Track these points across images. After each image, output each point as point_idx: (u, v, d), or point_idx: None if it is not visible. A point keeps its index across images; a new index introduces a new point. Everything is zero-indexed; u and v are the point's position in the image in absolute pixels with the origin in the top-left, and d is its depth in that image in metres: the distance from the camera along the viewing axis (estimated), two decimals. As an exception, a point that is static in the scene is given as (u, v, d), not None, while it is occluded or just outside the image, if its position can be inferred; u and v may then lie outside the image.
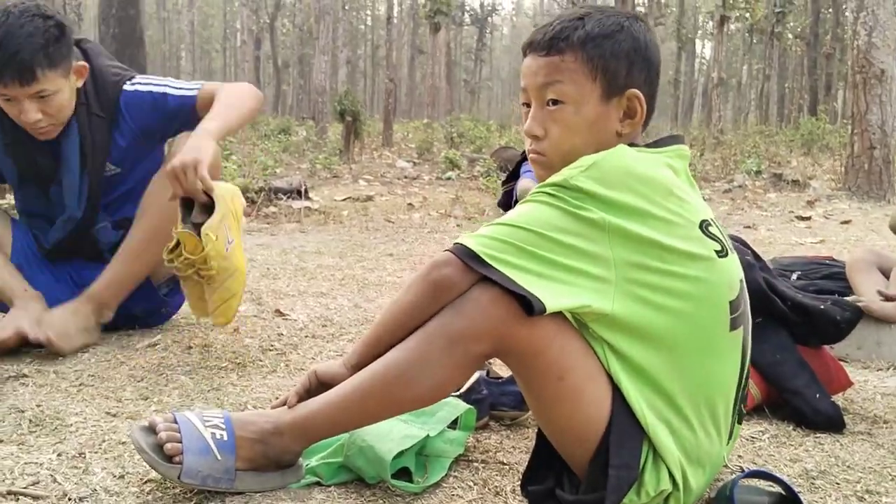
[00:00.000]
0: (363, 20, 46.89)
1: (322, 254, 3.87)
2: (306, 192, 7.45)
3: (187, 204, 1.87)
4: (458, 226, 6.00)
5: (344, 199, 7.79)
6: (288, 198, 7.13)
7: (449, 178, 10.23)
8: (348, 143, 12.78)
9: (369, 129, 15.36)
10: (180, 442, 1.22)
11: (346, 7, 28.09)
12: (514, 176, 2.78)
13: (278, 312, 2.50)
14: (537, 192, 1.18)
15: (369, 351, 1.27)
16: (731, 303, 1.23)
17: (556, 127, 1.26)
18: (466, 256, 1.15)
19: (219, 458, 1.24)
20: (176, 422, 1.26)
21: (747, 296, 1.32)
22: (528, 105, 1.31)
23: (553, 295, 1.11)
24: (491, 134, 16.45)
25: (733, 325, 1.24)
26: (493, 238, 1.16)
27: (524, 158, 2.47)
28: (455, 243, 1.18)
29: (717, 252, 1.21)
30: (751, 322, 1.34)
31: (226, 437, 1.25)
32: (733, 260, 1.27)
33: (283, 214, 6.55)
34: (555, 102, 1.25)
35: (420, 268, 1.33)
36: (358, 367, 1.27)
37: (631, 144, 1.25)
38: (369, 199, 7.94)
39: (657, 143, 1.29)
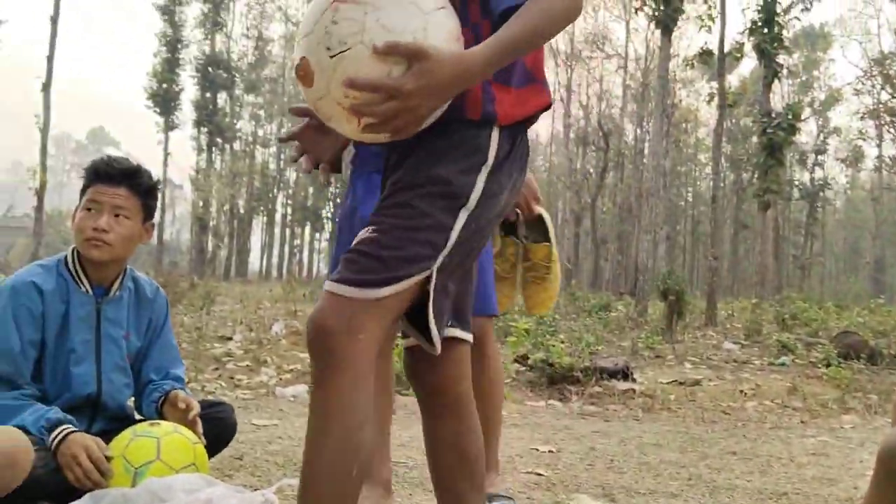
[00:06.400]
0: (683, 197, 47.03)
1: (661, 447, 3.79)
2: (631, 373, 7.41)
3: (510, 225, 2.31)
4: (801, 422, 5.55)
5: (669, 383, 7.59)
6: (613, 378, 7.15)
7: (783, 364, 9.56)
8: (671, 323, 12.58)
9: (691, 307, 15.02)
10: None
11: (667, 186, 28.54)
12: None
13: (632, 513, 2.49)
14: None
15: None
16: None
17: None
18: None
19: None
20: None
21: None
22: None
23: None
24: (828, 315, 15.23)
25: None
26: None
27: None
28: None
29: None
30: None
31: None
32: None
33: (608, 395, 6.54)
34: None
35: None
36: None
37: None
38: (696, 383, 7.66)
39: None
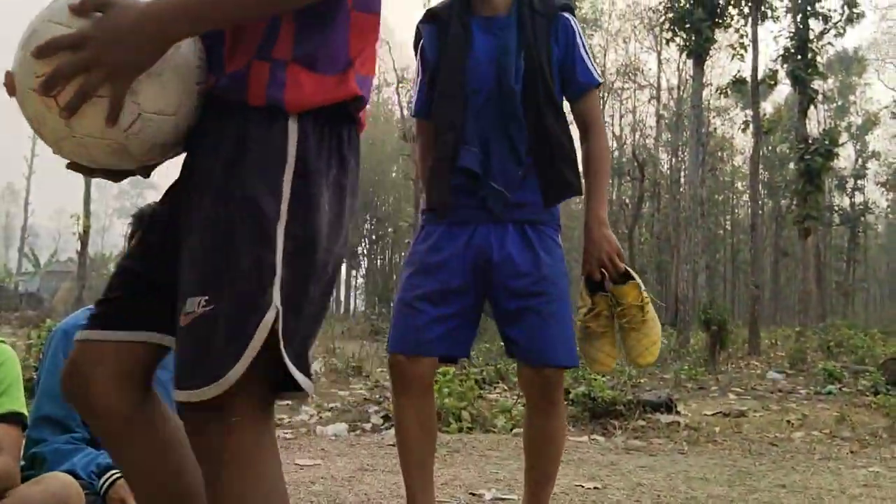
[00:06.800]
0: (722, 225, 46.56)
1: (709, 481, 3.72)
2: (675, 405, 7.31)
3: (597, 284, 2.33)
4: (851, 452, 5.41)
5: (714, 414, 7.47)
6: (656, 411, 7.05)
7: (830, 393, 9.35)
8: (714, 353, 12.41)
9: (734, 336, 14.79)
10: None
11: (705, 214, 28.29)
12: None
13: (680, 549, 2.44)
14: None
15: None
16: None
17: None
18: None
19: None
20: None
21: None
22: None
23: None
24: (875, 343, 14.90)
25: None
26: None
27: None
28: None
29: None
30: None
31: None
32: None
33: (652, 429, 6.45)
34: None
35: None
36: None
37: None
38: (741, 414, 7.52)
39: None
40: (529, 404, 2.35)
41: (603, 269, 2.31)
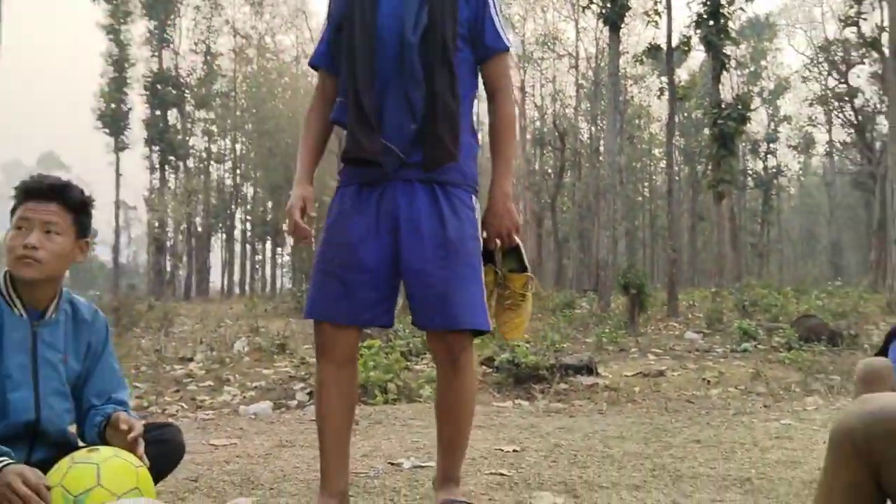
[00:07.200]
0: (640, 192, 47.51)
1: (625, 439, 3.78)
2: (595, 368, 7.44)
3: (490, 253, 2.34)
4: (765, 406, 5.59)
5: (634, 375, 7.63)
6: (578, 374, 7.16)
7: (745, 351, 9.67)
8: (633, 316, 12.67)
9: (653, 299, 15.14)
10: None
11: (624, 182, 28.84)
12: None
13: (596, 508, 2.46)
14: None
15: None
16: None
17: None
18: None
19: None
20: None
21: None
22: None
23: None
24: (787, 301, 15.47)
25: None
26: None
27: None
28: None
29: None
30: None
31: None
32: None
33: (574, 391, 6.54)
34: None
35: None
36: None
37: None
38: (660, 374, 7.71)
39: None
40: (438, 370, 2.32)
41: (497, 241, 2.31)
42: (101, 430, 2.16)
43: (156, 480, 2.15)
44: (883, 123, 30.82)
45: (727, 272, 21.32)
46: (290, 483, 2.83)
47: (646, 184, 47.84)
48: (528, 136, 41.37)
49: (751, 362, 8.37)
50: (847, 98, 36.20)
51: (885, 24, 24.28)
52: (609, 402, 5.88)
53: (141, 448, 2.05)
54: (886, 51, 23.65)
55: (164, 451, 2.21)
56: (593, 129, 37.42)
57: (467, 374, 2.26)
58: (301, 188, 2.27)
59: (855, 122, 35.66)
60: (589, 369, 7.28)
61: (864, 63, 34.54)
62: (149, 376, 7.64)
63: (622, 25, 18.42)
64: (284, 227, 2.30)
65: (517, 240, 2.33)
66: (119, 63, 36.19)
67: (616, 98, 18.45)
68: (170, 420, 4.71)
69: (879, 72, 29.92)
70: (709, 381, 7.25)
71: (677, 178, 33.96)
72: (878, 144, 33.56)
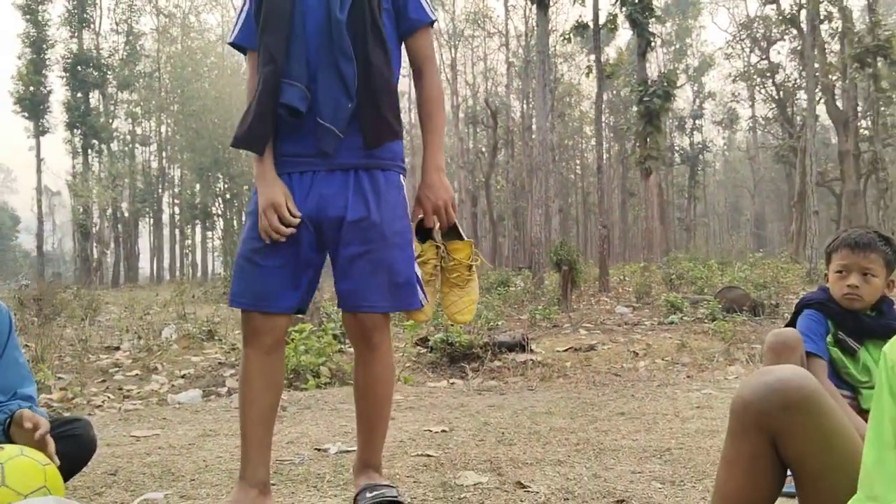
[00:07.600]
0: (573, 170, 48.07)
1: (553, 414, 3.82)
2: (528, 344, 7.52)
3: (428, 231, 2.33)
4: (688, 377, 5.73)
5: (566, 350, 7.74)
6: (511, 351, 7.23)
7: (672, 323, 9.91)
8: (566, 292, 12.84)
9: (585, 275, 15.37)
10: None
11: (556, 159, 29.06)
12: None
13: (519, 485, 2.47)
14: None
15: None
16: None
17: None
18: None
19: None
20: None
21: None
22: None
23: None
24: (712, 273, 15.88)
25: None
26: None
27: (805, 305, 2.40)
28: None
29: None
30: None
31: None
32: None
33: (508, 368, 6.60)
34: None
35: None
36: None
37: None
38: (591, 348, 7.84)
39: None
40: (354, 350, 2.29)
41: (435, 217, 2.28)
42: (6, 428, 2.08)
43: (68, 477, 2.08)
44: (803, 98, 31.76)
45: (656, 247, 21.76)
46: (211, 474, 2.78)
47: (578, 161, 48.44)
48: (461, 115, 41.39)
49: (677, 334, 8.58)
50: (769, 74, 37.22)
51: (804, 0, 24.96)
52: (541, 378, 5.95)
53: (51, 446, 1.98)
54: (805, 27, 24.32)
55: (74, 447, 2.15)
56: (525, 106, 37.64)
57: (382, 353, 2.25)
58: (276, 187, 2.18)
59: (776, 98, 36.71)
60: (522, 346, 7.36)
61: (784, 39, 35.54)
62: (73, 367, 7.41)
63: (551, 4, 18.50)
64: (265, 224, 2.12)
65: (454, 216, 2.30)
66: (37, 44, 34.85)
67: (546, 76, 18.54)
68: (86, 414, 4.59)
69: (799, 48, 30.81)
70: (637, 354, 7.41)
71: (607, 155, 34.49)
72: (798, 119, 34.61)
